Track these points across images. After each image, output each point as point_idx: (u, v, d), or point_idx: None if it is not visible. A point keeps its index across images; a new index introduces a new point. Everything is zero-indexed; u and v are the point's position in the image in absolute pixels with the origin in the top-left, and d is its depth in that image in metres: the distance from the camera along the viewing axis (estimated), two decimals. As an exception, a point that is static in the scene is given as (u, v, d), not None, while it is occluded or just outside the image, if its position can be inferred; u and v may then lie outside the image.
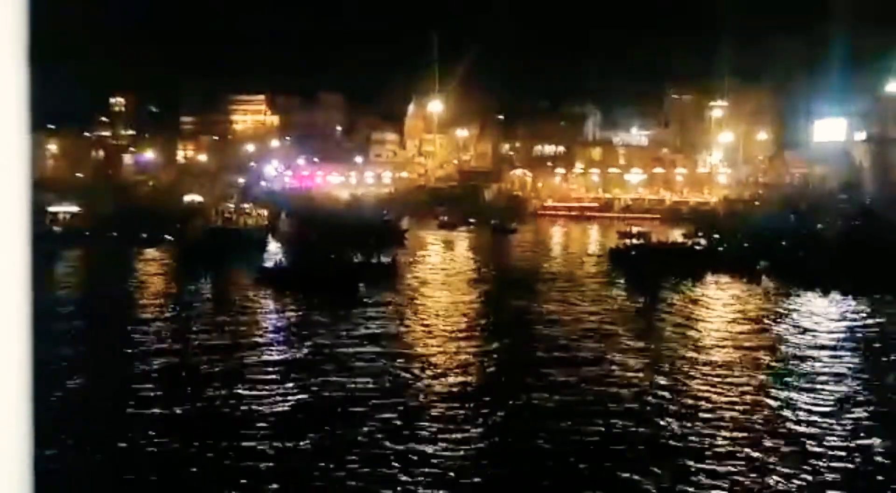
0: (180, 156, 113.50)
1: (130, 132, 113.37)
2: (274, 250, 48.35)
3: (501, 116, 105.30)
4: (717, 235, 51.47)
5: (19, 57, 0.66)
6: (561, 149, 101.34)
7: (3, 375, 0.67)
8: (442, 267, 45.33)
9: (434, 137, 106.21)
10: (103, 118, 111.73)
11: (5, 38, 0.65)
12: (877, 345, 24.39)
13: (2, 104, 0.66)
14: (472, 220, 70.15)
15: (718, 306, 31.70)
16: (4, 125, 0.66)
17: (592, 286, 36.56)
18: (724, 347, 23.95)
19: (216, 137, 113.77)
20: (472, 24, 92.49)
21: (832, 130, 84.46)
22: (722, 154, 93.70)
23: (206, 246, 41.49)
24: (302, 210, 66.28)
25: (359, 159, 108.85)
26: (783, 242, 46.96)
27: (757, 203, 73.74)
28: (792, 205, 64.58)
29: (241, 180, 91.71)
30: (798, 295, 33.73)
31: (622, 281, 38.33)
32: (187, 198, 75.75)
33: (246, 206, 58.09)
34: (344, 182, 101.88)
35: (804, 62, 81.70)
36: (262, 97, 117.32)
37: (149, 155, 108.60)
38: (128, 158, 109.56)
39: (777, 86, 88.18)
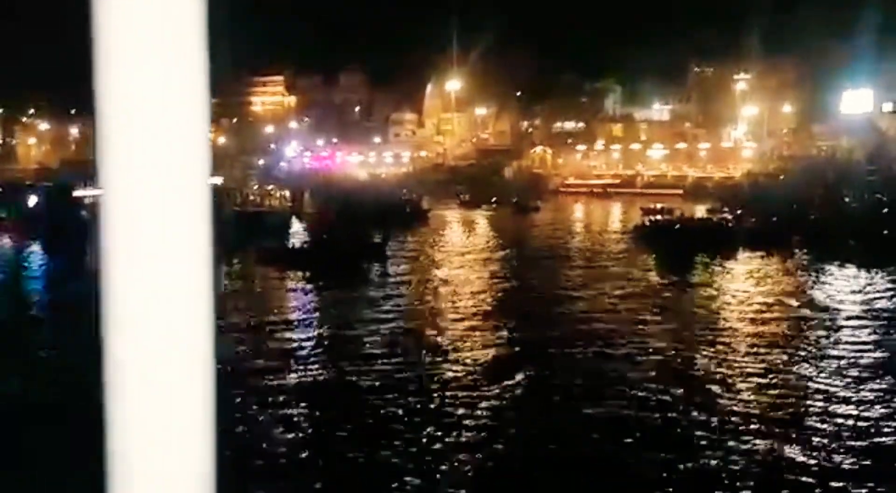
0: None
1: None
2: (297, 231, 48.55)
3: (520, 94, 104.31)
4: (740, 211, 50.82)
5: (199, 47, 0.69)
6: (581, 125, 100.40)
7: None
8: (463, 246, 45.25)
9: (452, 116, 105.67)
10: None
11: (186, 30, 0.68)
12: None
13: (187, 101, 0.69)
14: (493, 198, 69.90)
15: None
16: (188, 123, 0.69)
17: (621, 265, 36.22)
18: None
19: (235, 119, 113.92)
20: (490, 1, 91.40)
21: (859, 102, 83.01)
22: (746, 128, 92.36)
23: (233, 228, 41.57)
24: (323, 191, 66.35)
25: (378, 139, 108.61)
26: (811, 216, 46.40)
27: (782, 177, 72.67)
28: (818, 178, 63.60)
29: (261, 162, 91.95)
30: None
31: (651, 258, 37.93)
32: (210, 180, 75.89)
33: (270, 187, 58.26)
34: (363, 162, 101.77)
35: (830, 33, 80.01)
36: (280, 78, 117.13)
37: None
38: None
39: (802, 58, 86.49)
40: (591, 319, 23.83)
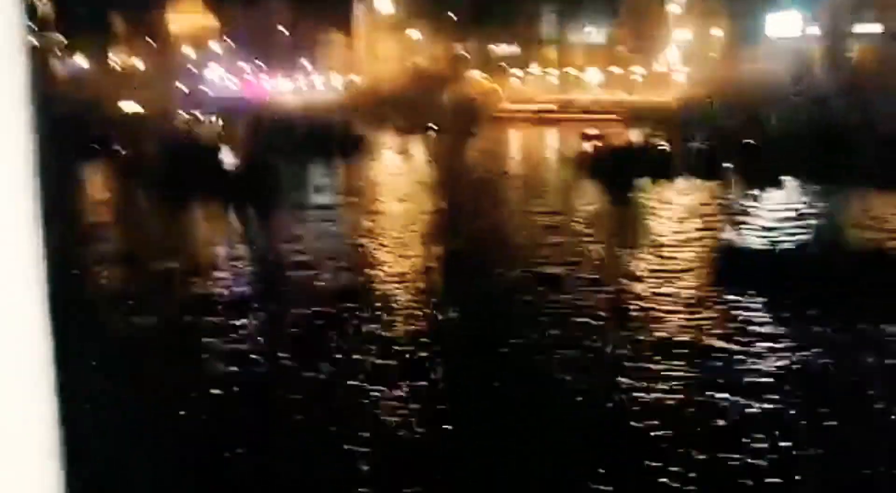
0: (113, 61, 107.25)
1: (57, 36, 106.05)
2: (229, 159, 46.64)
3: (455, 16, 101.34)
4: (671, 136, 51.28)
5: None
6: (517, 49, 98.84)
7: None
8: (399, 172, 44.52)
9: (386, 39, 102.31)
10: (29, 24, 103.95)
11: None
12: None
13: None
14: (428, 124, 68.70)
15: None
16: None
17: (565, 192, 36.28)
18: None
19: (152, 41, 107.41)
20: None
21: (785, 26, 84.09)
22: (678, 52, 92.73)
23: (164, 156, 39.74)
24: (252, 117, 63.82)
25: (307, 62, 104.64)
26: (741, 140, 47.33)
27: (712, 101, 73.64)
28: (746, 102, 64.62)
29: (183, 87, 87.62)
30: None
31: (592, 182, 38.08)
32: (125, 106, 72.10)
33: (199, 114, 55.62)
34: (293, 86, 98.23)
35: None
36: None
37: (79, 60, 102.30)
38: (56, 64, 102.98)
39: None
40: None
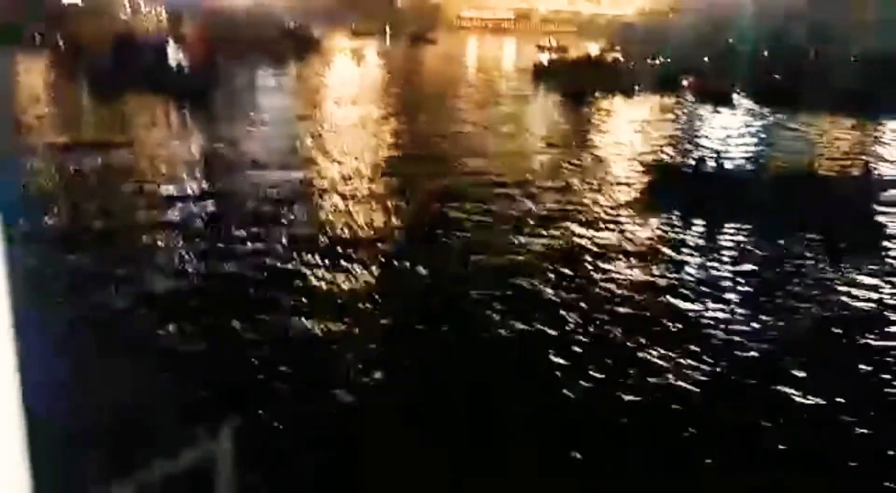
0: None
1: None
2: (174, 57, 44.97)
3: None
4: (629, 51, 51.06)
5: None
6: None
7: None
8: (352, 79, 43.61)
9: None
10: None
11: None
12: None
13: None
14: (386, 28, 67.08)
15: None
16: None
17: (521, 104, 36.10)
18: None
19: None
20: None
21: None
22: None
23: (108, 50, 38.10)
24: (203, 13, 61.17)
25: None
26: (702, 58, 47.45)
27: (672, 16, 73.18)
28: (709, 21, 64.31)
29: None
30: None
31: (547, 93, 37.99)
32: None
33: (143, 5, 53.10)
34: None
35: None
36: None
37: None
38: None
39: None
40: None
